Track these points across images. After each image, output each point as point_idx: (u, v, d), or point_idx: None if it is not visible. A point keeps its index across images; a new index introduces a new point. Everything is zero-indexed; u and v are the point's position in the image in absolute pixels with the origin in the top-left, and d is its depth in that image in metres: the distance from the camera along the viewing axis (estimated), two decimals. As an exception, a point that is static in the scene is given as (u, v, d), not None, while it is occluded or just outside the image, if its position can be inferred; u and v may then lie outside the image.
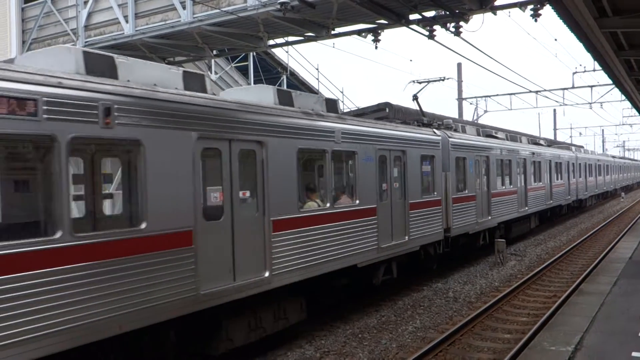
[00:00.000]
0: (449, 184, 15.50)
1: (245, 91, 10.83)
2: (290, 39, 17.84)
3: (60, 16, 18.16)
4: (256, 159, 8.93)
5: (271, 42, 17.79)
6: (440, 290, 14.43)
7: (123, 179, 7.68)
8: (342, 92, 31.30)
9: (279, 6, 12.96)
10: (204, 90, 8.50)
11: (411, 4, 13.74)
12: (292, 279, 9.46)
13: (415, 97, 17.79)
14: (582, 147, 49.88)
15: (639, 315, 9.31)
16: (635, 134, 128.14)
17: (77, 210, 7.27)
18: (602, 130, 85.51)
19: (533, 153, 24.31)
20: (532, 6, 13.74)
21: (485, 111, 41.99)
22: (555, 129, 65.91)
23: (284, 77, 26.64)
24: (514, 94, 38.99)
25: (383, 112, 18.03)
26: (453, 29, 14.67)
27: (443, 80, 18.70)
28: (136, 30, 16.34)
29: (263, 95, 10.05)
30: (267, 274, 8.85)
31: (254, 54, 24.06)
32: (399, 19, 14.31)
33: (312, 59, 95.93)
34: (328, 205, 10.57)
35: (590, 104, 39.61)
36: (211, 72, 22.95)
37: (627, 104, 28.59)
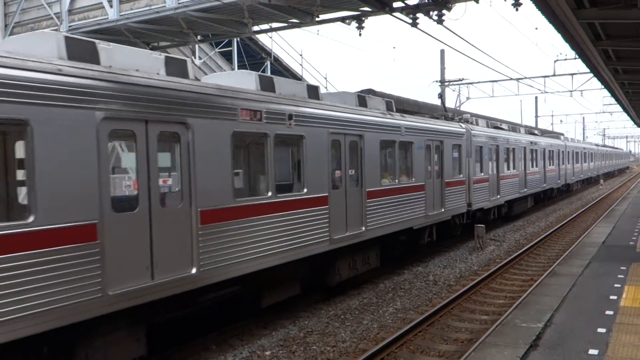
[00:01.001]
0: (471, 168, 19.23)
1: (227, 77, 10.33)
2: (275, 25, 17.93)
3: (44, 0, 18.06)
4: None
5: (256, 28, 17.88)
6: (421, 273, 14.78)
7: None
8: (325, 78, 31.45)
9: (264, -7, 13.07)
10: (186, 76, 8.35)
11: (395, -8, 13.91)
12: (376, 233, 12.92)
13: (440, 96, 23.95)
14: (562, 134, 50.74)
15: (606, 295, 9.73)
16: (615, 122, 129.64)
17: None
18: (583, 118, 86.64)
19: (531, 142, 28.06)
20: (513, -5, 14.00)
21: (468, 98, 42.37)
22: (536, 116, 66.72)
23: (268, 62, 26.71)
24: (496, 81, 39.32)
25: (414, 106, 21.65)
26: (436, 17, 14.85)
27: (461, 80, 24.18)
28: (120, 15, 16.33)
29: (245, 80, 9.93)
30: (363, 229, 12.35)
31: (238, 39, 24.09)
32: (383, 7, 14.46)
33: (296, 45, 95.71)
34: (396, 182, 13.97)
35: (571, 92, 40.09)
36: (195, 58, 22.96)
37: (607, 92, 29.06)
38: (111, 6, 16.39)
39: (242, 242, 8.93)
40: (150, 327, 7.93)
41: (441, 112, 21.03)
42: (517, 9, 13.96)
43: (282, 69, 26.96)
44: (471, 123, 20.77)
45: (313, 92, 11.45)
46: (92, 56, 7.21)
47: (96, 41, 7.52)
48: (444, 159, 16.78)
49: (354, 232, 12.02)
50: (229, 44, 24.67)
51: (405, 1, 14.58)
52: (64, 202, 6.39)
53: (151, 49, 19.90)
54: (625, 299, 9.58)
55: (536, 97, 64.96)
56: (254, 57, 26.59)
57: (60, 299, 6.32)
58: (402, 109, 19.42)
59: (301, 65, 26.83)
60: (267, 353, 9.08)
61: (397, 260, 15.48)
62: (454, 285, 13.57)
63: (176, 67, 8.33)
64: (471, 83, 41.38)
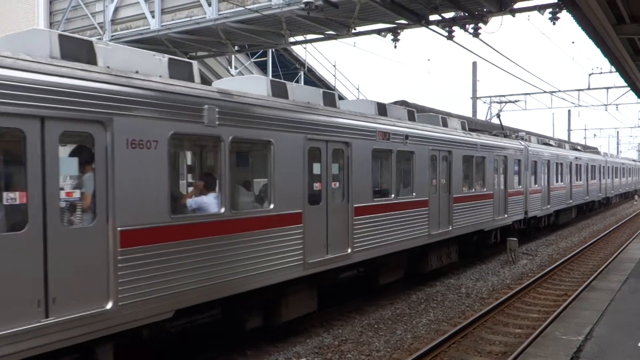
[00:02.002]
0: (528, 180, 21.52)
1: (239, 81, 10.39)
2: (311, 36, 18.21)
3: (88, 10, 18.61)
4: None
5: (292, 39, 18.18)
6: (453, 286, 14.77)
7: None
8: (357, 89, 31.67)
9: (303, 5, 13.31)
10: (192, 79, 8.05)
11: (432, 6, 14.06)
12: (458, 232, 15.33)
13: (498, 115, 25.69)
14: (596, 148, 50.23)
15: None
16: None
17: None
18: (617, 132, 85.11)
19: (576, 157, 30.35)
20: (550, 9, 14.02)
21: (500, 111, 42.07)
22: (569, 130, 65.81)
23: (302, 73, 26.98)
24: (528, 94, 39.03)
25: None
26: (472, 30, 14.97)
27: (516, 102, 30.33)
28: (162, 26, 16.77)
29: (256, 86, 9.66)
30: (450, 228, 14.82)
31: (273, 50, 24.44)
32: (419, 20, 14.64)
33: (330, 56, 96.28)
34: (472, 190, 16.36)
35: (606, 105, 39.57)
36: (231, 67, 23.34)
37: (643, 106, 28.68)
38: (153, 17, 16.83)
39: (374, 232, 11.46)
40: (320, 291, 10.62)
41: (499, 131, 23.47)
42: (554, 23, 13.98)
43: (315, 80, 27.20)
44: (526, 140, 23.26)
45: (330, 99, 11.35)
46: (88, 56, 6.98)
47: (94, 40, 7.27)
48: (507, 172, 19.28)
49: (444, 230, 14.59)
50: (264, 54, 25.03)
51: (442, 14, 14.73)
52: (285, 198, 9.15)
53: (189, 59, 20.37)
54: (665, 315, 9.51)
55: (569, 111, 64.21)
56: (288, 67, 26.91)
57: (285, 262, 9.13)
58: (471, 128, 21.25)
59: (334, 76, 27.08)
60: (303, 360, 9.21)
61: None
62: (487, 298, 13.53)
63: (181, 70, 7.92)
64: (503, 96, 41.18)
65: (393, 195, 12.28)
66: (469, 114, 36.76)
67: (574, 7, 8.70)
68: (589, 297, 10.96)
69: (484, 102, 41.93)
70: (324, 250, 9.95)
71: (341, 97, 18.36)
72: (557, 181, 25.99)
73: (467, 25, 14.97)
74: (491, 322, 11.47)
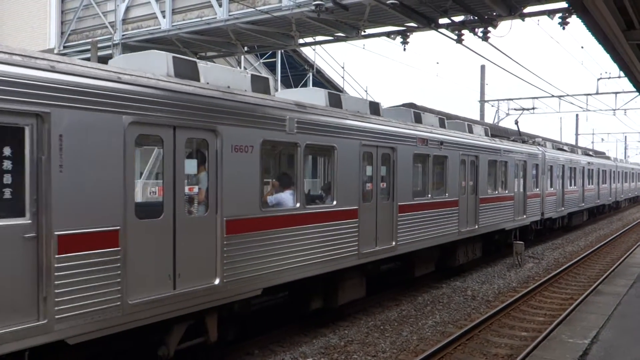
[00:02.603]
0: (545, 183, 22.80)
1: (300, 93, 11.70)
2: (320, 38, 18.29)
3: (99, 9, 18.75)
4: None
5: (301, 40, 18.26)
6: (459, 288, 14.81)
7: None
8: (365, 91, 31.69)
9: (313, 7, 13.39)
10: (268, 92, 9.21)
11: (442, 9, 14.12)
12: (483, 231, 16.63)
13: (516, 122, 26.53)
14: (604, 153, 50.40)
15: None
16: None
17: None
18: (625, 137, 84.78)
19: (588, 162, 31.54)
20: (560, 14, 14.05)
21: (507, 114, 42.07)
22: (577, 134, 65.60)
23: (310, 74, 27.06)
24: (536, 97, 38.94)
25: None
26: (481, 34, 15.01)
27: (533, 109, 32.63)
28: (172, 26, 16.88)
29: (316, 97, 10.95)
30: (476, 226, 16.00)
31: (282, 51, 24.53)
32: (429, 23, 14.70)
33: (338, 58, 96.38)
34: (496, 192, 17.63)
35: (614, 110, 39.47)
36: (240, 68, 23.46)
37: (652, 112, 28.66)
38: (164, 17, 16.95)
39: (414, 228, 12.73)
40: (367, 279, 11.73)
41: (517, 137, 24.69)
42: (564, 28, 14.00)
43: (324, 81, 27.27)
44: (542, 146, 24.48)
45: (374, 108, 12.59)
46: (193, 73, 8.15)
47: (197, 60, 8.45)
48: (526, 175, 20.54)
49: (471, 228, 15.74)
50: (273, 55, 25.13)
51: (451, 18, 14.78)
52: (345, 196, 10.38)
53: (198, 59, 20.48)
54: (671, 320, 9.53)
55: (577, 115, 63.93)
56: (297, 68, 26.99)
57: (344, 251, 10.33)
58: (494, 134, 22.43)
59: (342, 77, 27.15)
60: None
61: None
62: (493, 301, 13.56)
63: (260, 84, 9.16)
64: (511, 99, 41.12)
65: (429, 196, 13.60)
66: (477, 117, 36.73)
67: (584, 12, 8.72)
68: (596, 300, 10.99)
69: (492, 106, 41.95)
70: (373, 243, 11.40)
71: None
72: (570, 185, 27.25)
73: (476, 29, 15.01)
74: (497, 325, 11.50)
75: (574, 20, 13.98)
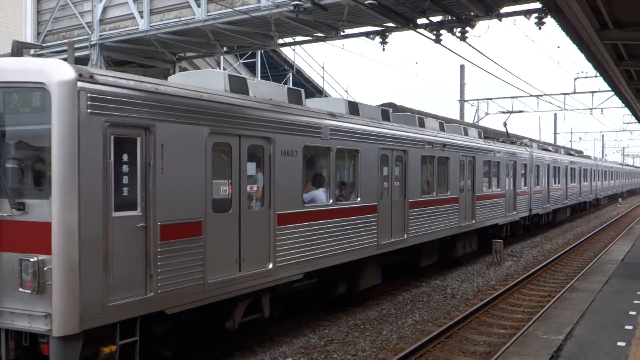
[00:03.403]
0: (532, 182, 24.36)
1: (324, 101, 13.48)
2: (300, 38, 18.28)
3: (76, 9, 18.53)
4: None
5: (281, 41, 18.23)
6: (439, 287, 14.91)
7: None
8: (346, 91, 31.59)
9: (292, 7, 13.37)
10: (300, 102, 10.67)
11: (419, 9, 14.19)
12: (478, 225, 18.00)
13: (504, 124, 28.62)
14: (582, 152, 51.19)
15: (625, 311, 9.85)
16: (635, 140, 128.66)
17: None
18: (602, 135, 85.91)
19: (570, 162, 33.34)
20: (536, 14, 14.19)
21: (487, 114, 42.41)
22: (555, 133, 66.37)
23: (290, 74, 27.05)
24: (515, 97, 39.29)
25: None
26: (459, 34, 15.10)
27: (521, 112, 35.26)
28: (150, 26, 16.74)
29: (337, 106, 12.14)
30: (474, 221, 17.57)
31: (262, 51, 24.48)
32: (407, 23, 14.76)
33: (319, 58, 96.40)
34: (490, 190, 19.32)
35: (591, 109, 39.96)
36: (220, 68, 23.36)
37: (627, 110, 29.08)
38: (142, 17, 16.82)
39: (422, 222, 14.04)
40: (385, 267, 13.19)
41: (505, 138, 26.11)
42: (540, 28, 14.15)
43: (304, 81, 27.27)
44: (529, 146, 26.11)
45: (421, 122, 15.30)
46: (243, 88, 9.32)
47: (247, 77, 10.16)
48: (516, 174, 22.04)
49: (469, 223, 17.15)
50: (253, 55, 25.06)
51: (430, 18, 14.87)
52: (367, 193, 11.82)
53: (177, 59, 20.35)
54: (645, 315, 9.69)
55: (555, 114, 64.66)
56: (277, 68, 26.95)
57: (366, 242, 11.75)
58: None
59: (322, 77, 27.18)
60: (289, 360, 9.29)
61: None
62: (472, 299, 13.68)
63: (294, 96, 10.62)
64: (490, 99, 41.46)
65: (434, 193, 14.98)
66: (457, 117, 36.98)
67: (558, 12, 8.83)
68: (571, 297, 11.15)
69: (472, 105, 42.26)
70: (389, 235, 12.72)
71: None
72: (555, 183, 28.90)
73: (454, 29, 15.10)
74: (476, 323, 11.61)
75: (550, 21, 14.14)
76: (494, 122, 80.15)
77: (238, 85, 9.18)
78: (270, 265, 9.16)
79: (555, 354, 7.50)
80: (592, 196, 41.57)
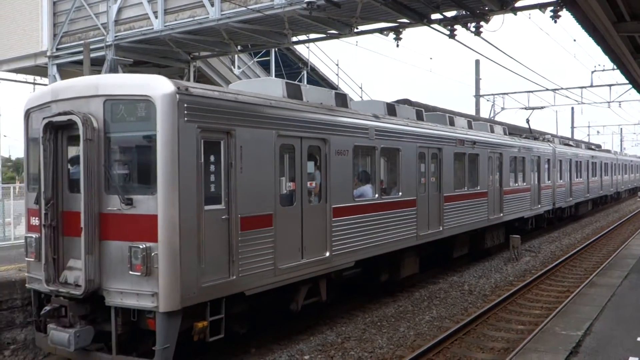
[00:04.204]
0: (555, 176, 25.34)
1: (364, 103, 14.27)
2: (313, 36, 18.24)
3: (91, 10, 18.63)
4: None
5: (294, 39, 18.21)
6: (456, 283, 14.85)
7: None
8: (360, 88, 31.58)
9: (305, 5, 13.35)
10: (346, 105, 11.56)
11: (433, 4, 14.08)
12: (506, 218, 18.93)
13: (527, 120, 29.55)
14: (600, 145, 50.88)
15: None
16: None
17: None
18: (621, 129, 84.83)
19: (592, 156, 34.20)
20: (552, 8, 14.03)
21: (503, 109, 42.07)
22: (572, 127, 65.63)
23: (305, 72, 27.02)
24: (531, 91, 38.89)
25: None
26: (473, 29, 14.96)
27: (543, 107, 35.00)
28: (165, 26, 16.79)
29: (375, 107, 12.95)
30: (501, 214, 18.42)
31: (276, 49, 24.47)
32: (421, 19, 14.66)
33: (333, 55, 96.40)
34: (517, 184, 20.25)
35: (609, 102, 39.45)
36: (234, 67, 23.41)
37: (646, 103, 28.76)
38: (156, 17, 16.89)
39: (455, 215, 15.00)
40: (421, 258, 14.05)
41: (528, 134, 26.69)
42: (555, 21, 13.98)
43: (318, 79, 27.22)
44: (551, 142, 26.99)
45: (451, 121, 16.30)
46: (297, 94, 10.36)
47: (300, 85, 10.90)
48: (540, 169, 22.95)
49: (497, 216, 18.05)
50: (267, 53, 25.04)
51: (444, 13, 14.77)
52: (407, 188, 12.80)
53: (192, 59, 20.43)
54: (665, 310, 9.57)
55: (572, 108, 63.89)
56: (291, 66, 26.93)
57: (407, 233, 12.72)
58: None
59: (337, 74, 27.12)
60: (306, 357, 9.31)
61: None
62: (490, 295, 13.61)
63: (341, 100, 11.51)
64: (506, 94, 41.12)
65: (466, 188, 15.89)
66: (472, 112, 36.75)
67: (574, 5, 8.75)
68: (590, 292, 11.05)
69: (487, 100, 41.93)
70: (427, 227, 13.65)
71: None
72: (577, 177, 29.78)
73: (468, 24, 14.97)
74: (494, 319, 11.55)
75: (566, 14, 13.97)
76: (510, 117, 79.52)
77: (293, 91, 10.24)
78: (327, 254, 10.20)
79: (574, 350, 7.43)
80: (613, 189, 42.10)
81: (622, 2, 9.09)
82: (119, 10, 17.92)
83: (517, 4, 14.20)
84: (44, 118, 8.03)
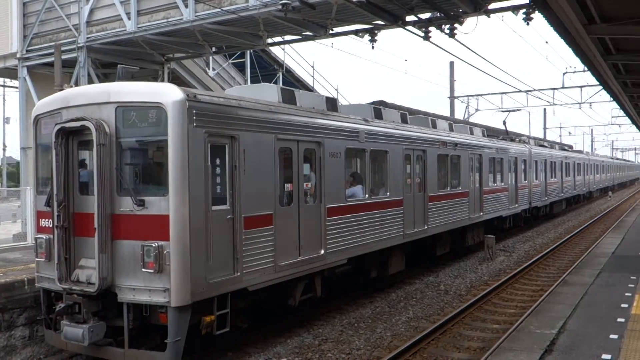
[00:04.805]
0: (531, 176, 26.04)
1: (353, 107, 14.30)
2: (289, 37, 18.24)
3: (62, 12, 18.38)
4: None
5: (270, 40, 18.18)
6: (432, 283, 14.94)
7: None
8: (336, 90, 31.63)
9: (280, 6, 13.33)
10: (335, 109, 11.94)
11: (408, 6, 14.18)
12: (486, 217, 19.52)
13: (504, 122, 30.16)
14: (572, 146, 51.62)
15: (617, 303, 9.90)
16: (623, 134, 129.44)
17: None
18: (592, 130, 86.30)
19: (565, 157, 34.99)
20: (524, 10, 14.22)
21: (477, 110, 42.52)
22: (545, 128, 66.58)
23: (280, 74, 26.98)
24: (505, 93, 39.42)
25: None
26: (448, 31, 15.11)
27: (519, 110, 35.05)
28: (138, 27, 16.62)
29: (362, 112, 13.24)
30: (481, 213, 18.94)
31: (251, 51, 24.40)
32: (396, 20, 14.76)
33: (308, 57, 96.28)
34: (495, 184, 20.80)
35: (580, 104, 40.12)
36: (209, 69, 23.29)
37: (616, 104, 29.29)
38: (129, 18, 16.71)
39: (439, 214, 15.61)
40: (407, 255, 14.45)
41: (505, 135, 27.46)
42: (528, 23, 14.18)
43: (293, 80, 27.20)
44: (527, 143, 27.73)
45: (434, 124, 16.94)
46: (291, 99, 10.74)
47: (294, 90, 11.28)
48: (517, 170, 23.63)
49: (477, 215, 18.65)
50: (242, 55, 24.96)
51: (418, 15, 14.88)
52: (394, 188, 13.25)
53: (166, 60, 20.25)
54: (636, 307, 9.75)
55: (545, 109, 64.82)
56: (267, 68, 26.88)
57: (394, 232, 13.16)
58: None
59: (312, 76, 27.14)
60: (283, 360, 9.27)
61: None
62: (465, 295, 13.71)
63: (331, 104, 11.93)
64: (480, 95, 41.58)
65: (449, 188, 16.43)
66: (447, 113, 37.04)
67: (546, 8, 8.85)
68: (563, 291, 11.18)
69: (462, 102, 42.32)
70: (412, 226, 14.16)
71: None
72: (551, 177, 30.58)
73: (443, 26, 15.11)
74: (469, 319, 11.64)
75: (538, 16, 14.18)
76: (484, 119, 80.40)
77: (288, 96, 10.70)
78: (322, 251, 10.67)
79: (549, 348, 7.51)
80: (586, 189, 43.04)
81: (593, 5, 9.21)
82: (91, 11, 17.70)
83: (491, 6, 14.38)
84: (56, 124, 8.38)
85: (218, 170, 8.53)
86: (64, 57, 16.36)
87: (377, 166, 13.19)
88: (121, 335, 8.09)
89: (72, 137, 8.51)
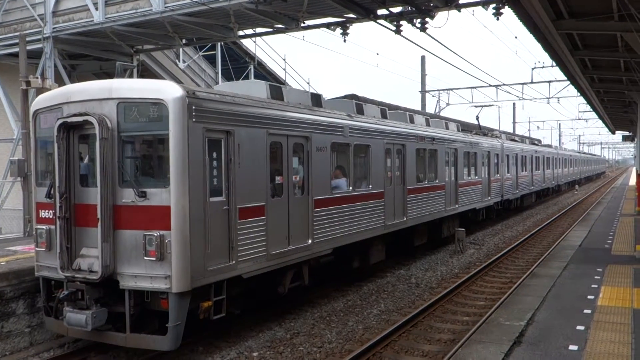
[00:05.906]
0: (503, 170, 26.77)
1: (338, 102, 14.54)
2: (260, 30, 18.10)
3: (27, 1, 17.94)
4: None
5: (241, 32, 18.02)
6: (403, 276, 15.03)
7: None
8: (308, 83, 31.51)
9: (251, -2, 13.22)
10: (320, 105, 12.34)
11: (380, 0, 14.18)
12: (461, 209, 20.12)
13: (477, 117, 31.04)
14: (540, 140, 52.15)
15: (584, 295, 10.09)
16: (590, 129, 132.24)
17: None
18: (559, 124, 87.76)
19: (535, 151, 35.89)
20: (494, 5, 14.34)
21: (448, 104, 42.89)
22: (514, 122, 67.50)
23: (252, 67, 26.79)
24: (475, 87, 39.83)
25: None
26: (419, 25, 15.15)
27: (492, 105, 35.59)
28: (106, 18, 16.31)
29: (346, 107, 13.74)
30: (457, 206, 19.63)
31: (222, 43, 24.16)
32: (368, 14, 14.74)
33: (280, 50, 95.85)
34: (469, 178, 21.38)
35: (548, 98, 40.74)
36: (179, 61, 22.99)
37: (583, 99, 29.82)
38: (96, 9, 16.38)
39: (417, 206, 16.14)
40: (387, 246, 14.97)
41: (477, 130, 28.08)
42: (497, 19, 14.30)
43: (265, 73, 27.02)
44: (499, 138, 28.56)
45: (411, 119, 17.38)
46: (279, 96, 11.18)
47: (282, 86, 11.95)
48: (490, 163, 24.35)
49: (453, 207, 19.17)
50: (213, 47, 24.69)
51: (390, 9, 14.89)
52: (376, 181, 13.76)
53: (135, 52, 19.93)
54: (602, 298, 9.92)
55: (514, 104, 65.74)
56: (238, 61, 26.64)
57: (376, 223, 13.64)
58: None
59: (284, 69, 26.98)
60: (255, 354, 9.22)
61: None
62: (436, 288, 13.83)
63: (316, 100, 12.35)
64: (451, 89, 41.94)
65: (426, 181, 17.02)
66: (419, 107, 37.27)
67: (515, 2, 8.96)
68: (532, 283, 11.34)
69: (433, 96, 42.62)
70: (393, 218, 14.65)
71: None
72: (522, 171, 31.38)
73: (414, 20, 15.15)
74: (440, 311, 11.74)
75: (508, 11, 14.28)
76: (454, 113, 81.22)
77: (276, 93, 11.14)
78: (309, 241, 11.08)
79: (518, 340, 7.60)
80: (554, 183, 44.18)
81: (561, 0, 9.35)
82: (57, 1, 17.32)
83: (461, 1, 14.49)
84: (58, 119, 8.66)
85: (215, 163, 8.96)
86: (29, 47, 15.99)
87: (360, 160, 13.62)
88: (119, 321, 8.44)
89: (73, 131, 8.78)
